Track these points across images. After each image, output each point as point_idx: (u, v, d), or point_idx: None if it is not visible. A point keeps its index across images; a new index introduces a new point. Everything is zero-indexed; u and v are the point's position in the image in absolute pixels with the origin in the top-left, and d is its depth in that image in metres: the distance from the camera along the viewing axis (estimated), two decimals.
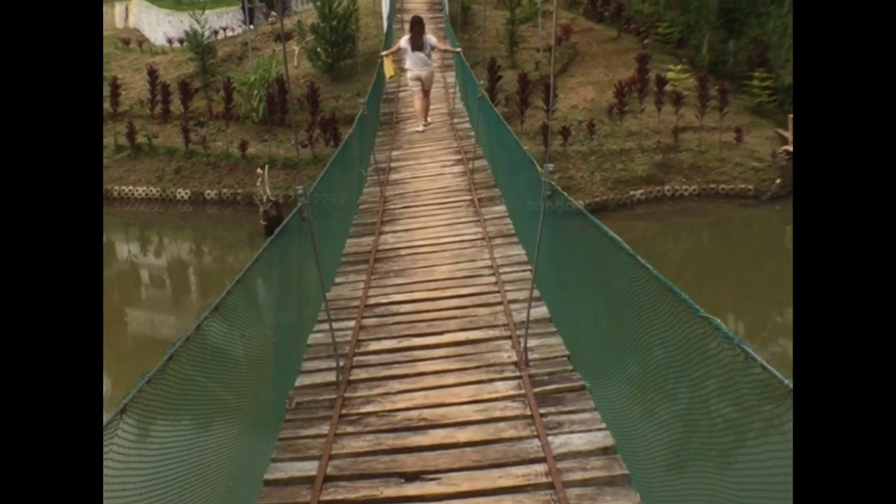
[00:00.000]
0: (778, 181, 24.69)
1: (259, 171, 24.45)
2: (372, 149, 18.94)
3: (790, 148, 25.40)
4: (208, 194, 27.46)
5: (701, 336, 5.11)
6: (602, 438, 7.12)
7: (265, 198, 23.57)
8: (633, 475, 6.65)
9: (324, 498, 6.78)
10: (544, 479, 6.69)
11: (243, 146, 27.83)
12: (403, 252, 12.76)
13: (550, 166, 8.23)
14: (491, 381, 8.40)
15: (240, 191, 26.97)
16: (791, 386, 3.90)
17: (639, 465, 6.71)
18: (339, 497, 6.78)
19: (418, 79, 20.08)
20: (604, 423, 7.35)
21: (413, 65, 19.94)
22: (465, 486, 6.73)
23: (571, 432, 7.28)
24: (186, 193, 27.68)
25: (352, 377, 8.77)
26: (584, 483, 6.61)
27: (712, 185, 25.26)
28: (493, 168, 16.56)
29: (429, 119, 21.43)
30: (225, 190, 27.34)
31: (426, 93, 20.68)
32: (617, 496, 6.41)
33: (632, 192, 25.05)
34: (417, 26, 19.96)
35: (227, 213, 27.04)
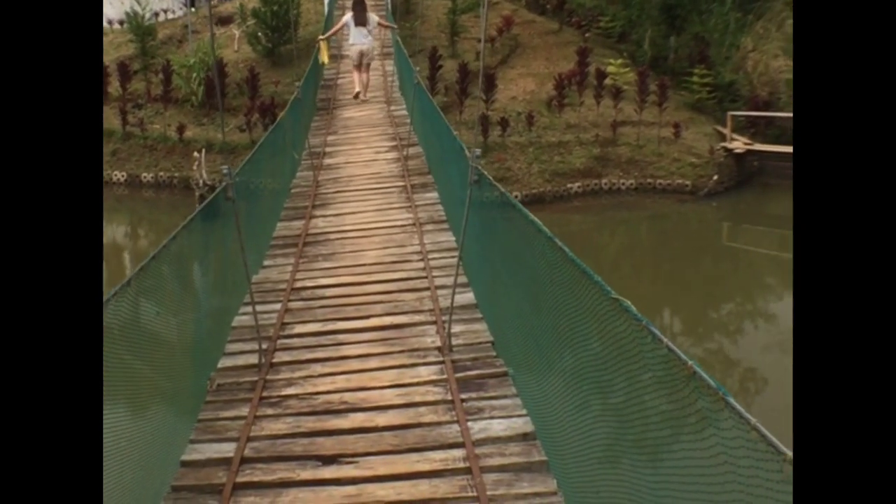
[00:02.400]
0: (715, 177, 24.85)
1: (196, 154, 24.17)
2: (307, 133, 18.86)
3: (728, 144, 25.65)
4: (145, 177, 27.04)
5: (612, 319, 5.10)
6: (522, 424, 7.11)
7: (202, 181, 23.30)
8: (552, 462, 6.64)
9: (239, 479, 6.69)
10: (462, 465, 6.66)
11: (181, 129, 27.47)
12: (333, 236, 12.68)
13: (478, 151, 8.21)
14: (413, 365, 8.37)
15: (176, 174, 26.64)
16: (695, 368, 3.90)
17: (557, 452, 6.69)
18: (255, 479, 6.71)
19: (360, 52, 21.84)
20: (524, 409, 7.33)
21: (356, 39, 21.75)
22: (382, 470, 6.68)
23: (491, 418, 7.26)
24: (122, 176, 27.24)
25: (275, 360, 8.68)
26: (502, 468, 6.58)
27: (650, 180, 25.34)
28: (427, 155, 16.56)
29: (367, 96, 22.62)
30: (161, 173, 26.96)
31: (367, 66, 22.40)
32: (534, 482, 6.39)
33: (569, 185, 25.03)
34: (360, 5, 21.85)
35: (164, 197, 26.69)
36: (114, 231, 26.59)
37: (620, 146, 26.15)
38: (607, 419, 5.77)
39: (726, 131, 26.34)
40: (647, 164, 25.65)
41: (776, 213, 24.58)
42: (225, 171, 8.24)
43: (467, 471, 6.59)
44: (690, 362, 3.97)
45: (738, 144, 25.66)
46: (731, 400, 3.58)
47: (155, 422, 7.03)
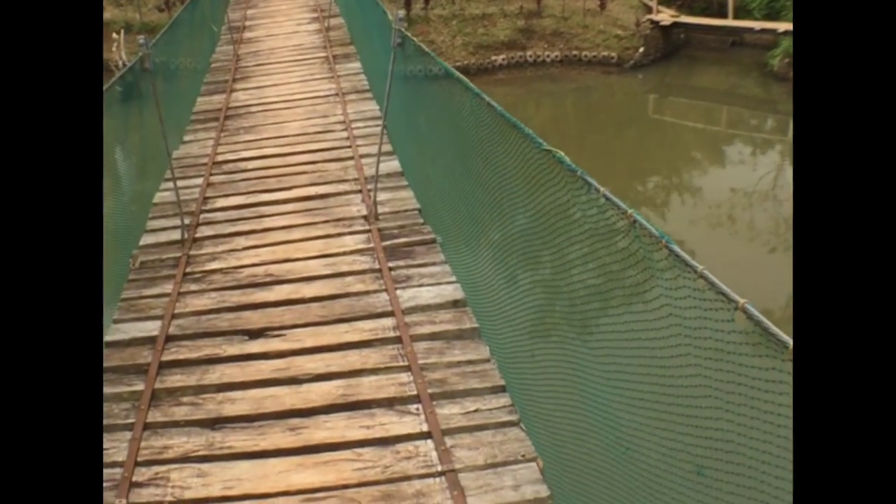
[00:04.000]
0: (641, 50, 24.61)
1: (115, 36, 23.42)
2: (226, 7, 18.26)
3: (654, 17, 25.28)
4: None
5: (545, 172, 4.84)
6: (452, 291, 6.87)
7: (121, 63, 22.57)
8: (483, 329, 6.41)
9: (165, 358, 6.41)
10: (392, 334, 6.44)
11: None
12: (255, 109, 12.23)
13: (401, 13, 7.81)
14: (339, 235, 8.08)
15: None
16: (635, 216, 3.65)
17: (489, 317, 6.48)
18: (181, 357, 6.43)
19: None
20: (454, 276, 7.08)
21: None
22: (309, 342, 6.43)
23: (420, 286, 7.01)
24: None
25: (197, 235, 8.34)
26: (433, 336, 6.36)
27: (575, 52, 25.03)
28: (350, 26, 16.13)
29: None
30: None
31: None
32: (466, 349, 6.18)
33: (493, 57, 24.67)
34: None
35: None
36: None
37: (545, 18, 25.70)
38: (542, 277, 5.54)
39: (652, 3, 25.93)
40: (573, 37, 25.28)
41: (702, 85, 24.46)
42: (141, 42, 7.82)
43: (397, 340, 6.37)
44: (630, 210, 3.71)
45: (665, 17, 25.34)
46: (676, 248, 3.34)
47: None
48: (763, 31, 23.63)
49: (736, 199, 17.27)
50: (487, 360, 6.04)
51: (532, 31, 25.32)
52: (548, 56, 25.00)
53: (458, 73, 6.58)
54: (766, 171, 19.15)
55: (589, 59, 25.00)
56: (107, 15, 26.33)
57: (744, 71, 24.21)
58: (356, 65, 13.85)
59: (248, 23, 17.90)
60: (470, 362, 6.04)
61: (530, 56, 24.97)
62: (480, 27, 25.29)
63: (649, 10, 25.96)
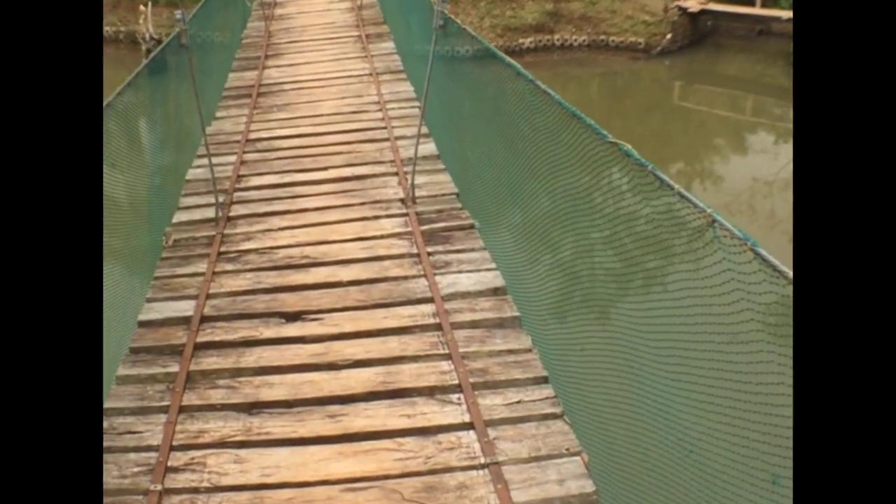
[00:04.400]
0: (669, 36, 24.30)
1: (142, 7, 23.20)
2: None
3: (682, 3, 24.97)
4: None
5: (607, 165, 4.67)
6: (492, 279, 6.70)
7: (148, 36, 22.40)
8: (525, 318, 6.27)
9: (200, 339, 6.28)
10: (432, 321, 6.28)
11: None
12: (287, 87, 12.05)
13: None
14: (376, 217, 7.92)
15: (122, 28, 25.83)
16: (715, 216, 3.48)
17: (530, 307, 6.33)
18: (217, 338, 6.30)
19: None
20: (493, 263, 6.93)
21: None
22: (348, 327, 6.29)
23: (460, 272, 6.85)
24: None
25: (231, 213, 8.20)
26: (473, 324, 6.21)
27: (602, 37, 24.77)
28: (383, 5, 15.95)
29: None
30: (107, 28, 26.08)
31: None
32: (507, 338, 6.03)
33: (521, 40, 24.44)
34: None
35: (109, 52, 25.75)
36: None
37: (573, 2, 25.46)
38: (595, 268, 5.38)
39: None
40: (600, 21, 25.03)
41: (728, 73, 24.20)
42: (179, 17, 7.65)
43: (437, 327, 6.21)
44: (709, 210, 3.55)
45: (693, 3, 25.01)
46: (762, 251, 3.17)
47: (109, 282, 6.55)
48: (790, 20, 23.31)
49: (757, 188, 17.10)
50: (529, 350, 5.89)
51: (560, 14, 25.09)
52: (575, 40, 24.76)
53: (509, 59, 6.42)
54: (788, 160, 18.95)
55: (616, 44, 24.74)
56: None
57: (770, 60, 23.93)
58: (389, 45, 13.65)
59: None
60: (511, 352, 5.90)
61: (558, 40, 24.75)
62: (509, 9, 25.10)
63: None
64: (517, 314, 6.27)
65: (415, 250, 7.25)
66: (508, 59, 6.40)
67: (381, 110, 10.60)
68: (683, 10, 24.88)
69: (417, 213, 7.81)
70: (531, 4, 25.21)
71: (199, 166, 9.15)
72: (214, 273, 7.15)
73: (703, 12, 24.97)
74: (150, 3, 23.38)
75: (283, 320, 6.45)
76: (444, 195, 8.13)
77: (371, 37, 14.20)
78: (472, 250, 7.17)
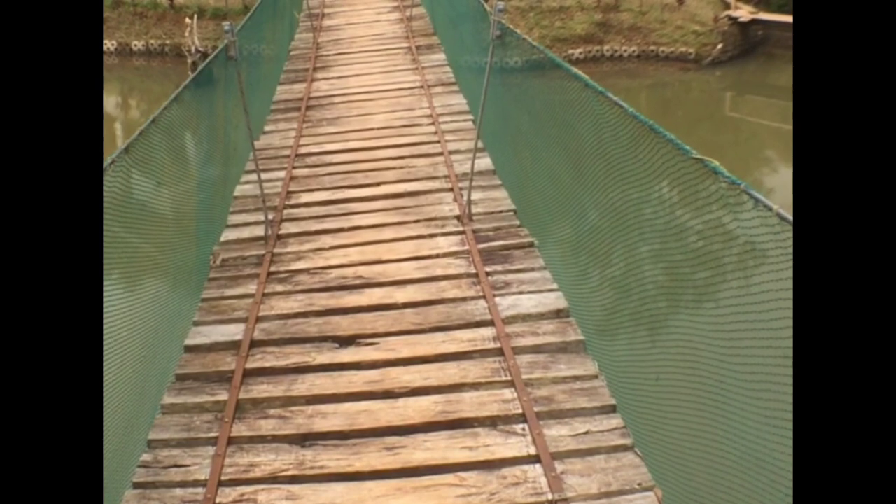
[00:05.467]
0: (719, 46, 23.90)
1: (188, 20, 23.19)
2: None
3: (732, 13, 24.56)
4: (135, 45, 26.15)
5: (694, 181, 4.32)
6: (554, 300, 6.37)
7: (194, 48, 22.32)
8: (589, 342, 5.92)
9: (250, 365, 5.98)
10: (492, 345, 5.95)
11: None
12: (337, 100, 11.75)
13: (501, 4, 7.32)
14: (431, 236, 7.58)
15: (168, 42, 25.74)
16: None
17: (596, 331, 5.98)
18: (267, 364, 5.99)
19: None
20: (555, 283, 6.58)
21: None
22: (404, 352, 5.96)
23: (520, 293, 6.52)
24: (112, 45, 26.28)
25: (281, 231, 7.90)
26: (536, 349, 5.88)
27: (652, 48, 24.38)
28: (433, 16, 15.63)
29: None
30: (152, 41, 26.06)
31: None
32: (572, 364, 5.70)
33: (570, 51, 24.06)
34: None
35: (155, 65, 25.86)
36: (105, 102, 25.77)
37: (623, 12, 25.10)
38: (673, 293, 5.02)
39: None
40: (650, 32, 24.64)
41: (780, 83, 23.70)
42: (227, 28, 7.38)
43: (498, 352, 5.88)
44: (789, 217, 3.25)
45: (743, 13, 24.59)
46: None
47: (155, 304, 6.27)
48: None
49: None
50: (595, 377, 5.56)
51: (609, 25, 24.75)
52: (625, 51, 24.39)
53: (577, 71, 6.08)
54: None
55: (666, 54, 24.34)
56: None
57: None
58: (440, 56, 13.33)
59: (327, 10, 17.51)
60: (577, 378, 5.57)
61: (607, 51, 24.40)
62: (557, 20, 24.79)
63: (727, 6, 25.22)
64: (581, 338, 5.93)
65: (472, 270, 6.92)
66: (576, 71, 6.06)
67: (433, 124, 10.29)
68: (734, 20, 24.48)
69: (474, 231, 7.48)
70: (580, 15, 24.89)
71: (247, 182, 8.86)
72: (264, 294, 6.84)
73: (753, 22, 24.55)
74: (195, 16, 23.32)
75: (336, 345, 6.14)
76: (501, 212, 7.81)
77: (421, 48, 13.91)
78: (533, 270, 6.85)
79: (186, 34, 22.89)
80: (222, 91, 8.17)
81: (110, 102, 25.72)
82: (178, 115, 6.93)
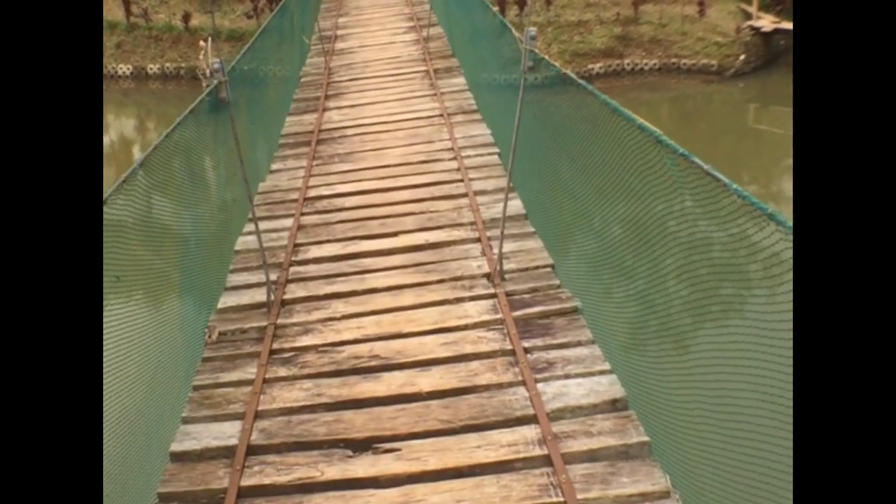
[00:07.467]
0: (742, 57, 22.68)
1: (202, 43, 22.16)
2: (316, 15, 16.67)
3: (755, 23, 23.35)
4: (150, 69, 25.23)
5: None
6: (608, 386, 5.15)
7: (209, 71, 21.20)
8: (655, 443, 4.68)
9: (246, 482, 4.77)
10: (538, 451, 4.74)
11: (186, 18, 25.50)
12: (350, 132, 10.47)
13: (533, 30, 6.18)
14: (458, 300, 6.34)
15: (183, 64, 24.83)
16: None
17: (665, 430, 4.75)
18: (267, 480, 4.77)
19: None
20: (607, 362, 5.34)
21: None
22: (432, 462, 4.73)
23: (567, 376, 5.29)
24: (128, 69, 25.36)
25: (286, 295, 6.67)
26: (591, 456, 4.67)
27: (674, 60, 23.17)
28: (451, 35, 14.38)
29: None
30: (168, 64, 25.16)
31: None
32: (636, 475, 4.50)
33: (590, 66, 22.89)
34: None
35: (171, 88, 24.98)
36: (122, 125, 25.08)
37: (642, 25, 23.88)
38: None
39: (752, 9, 23.95)
40: (671, 44, 23.44)
41: None
42: (217, 67, 6.24)
43: (546, 460, 4.66)
44: None
45: (766, 23, 23.37)
46: None
47: (137, 400, 5.07)
48: None
49: None
50: (667, 495, 4.31)
51: (629, 38, 23.56)
52: (646, 64, 23.19)
53: (614, 103, 4.96)
54: None
55: (688, 67, 23.11)
56: (194, 22, 25.49)
57: None
58: (460, 80, 12.04)
59: (339, 32, 16.26)
60: (643, 496, 4.33)
61: (628, 64, 23.19)
62: (576, 34, 23.61)
63: (749, 16, 24.02)
64: (646, 439, 4.69)
65: (508, 346, 5.67)
66: (615, 103, 4.97)
67: (455, 158, 9.01)
68: (756, 30, 23.29)
69: (507, 294, 6.25)
70: (599, 29, 23.72)
71: (250, 233, 7.54)
72: (265, 381, 5.61)
73: (776, 31, 23.32)
74: (210, 39, 22.31)
75: (349, 451, 4.89)
76: (537, 268, 6.57)
77: (440, 71, 12.62)
78: (579, 344, 5.60)
79: (201, 57, 21.87)
80: (212, 138, 6.97)
81: (128, 126, 24.95)
82: (155, 177, 5.73)
